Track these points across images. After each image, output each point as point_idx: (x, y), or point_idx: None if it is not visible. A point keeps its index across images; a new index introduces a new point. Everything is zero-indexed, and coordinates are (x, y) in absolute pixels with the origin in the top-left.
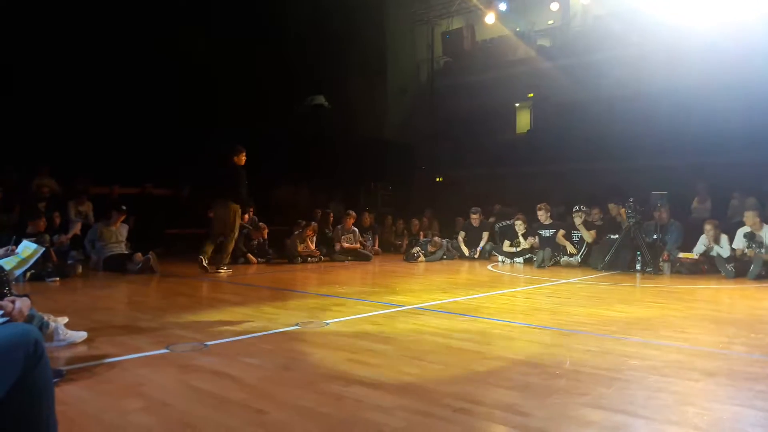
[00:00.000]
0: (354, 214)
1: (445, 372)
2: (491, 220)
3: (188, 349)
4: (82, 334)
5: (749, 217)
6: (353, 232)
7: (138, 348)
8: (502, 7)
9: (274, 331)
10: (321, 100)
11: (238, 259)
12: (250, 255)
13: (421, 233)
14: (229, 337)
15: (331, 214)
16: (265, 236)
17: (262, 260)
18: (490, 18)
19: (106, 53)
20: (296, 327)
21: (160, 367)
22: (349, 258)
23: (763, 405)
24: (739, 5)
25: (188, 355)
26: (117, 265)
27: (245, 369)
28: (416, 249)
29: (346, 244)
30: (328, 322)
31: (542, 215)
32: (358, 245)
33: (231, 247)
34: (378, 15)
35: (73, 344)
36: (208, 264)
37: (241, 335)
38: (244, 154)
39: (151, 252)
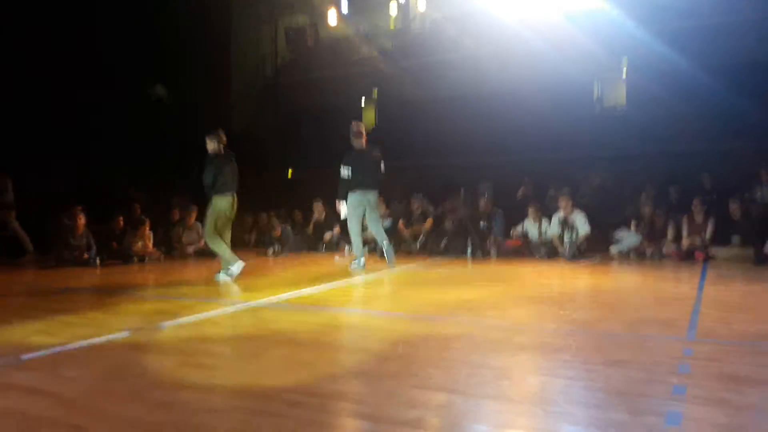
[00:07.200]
0: (195, 208)
1: (283, 367)
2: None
3: None
4: None
5: (563, 200)
6: (196, 228)
7: None
8: (344, 8)
9: (103, 338)
10: (160, 90)
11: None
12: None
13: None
14: (48, 349)
15: (177, 211)
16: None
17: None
18: (332, 17)
19: None
20: (127, 333)
21: None
22: (192, 255)
23: (565, 373)
24: (552, 8)
25: None
26: None
27: (65, 383)
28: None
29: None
30: (164, 325)
31: (379, 209)
32: (202, 242)
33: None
34: (222, 5)
35: None
36: None
37: (62, 346)
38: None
39: None
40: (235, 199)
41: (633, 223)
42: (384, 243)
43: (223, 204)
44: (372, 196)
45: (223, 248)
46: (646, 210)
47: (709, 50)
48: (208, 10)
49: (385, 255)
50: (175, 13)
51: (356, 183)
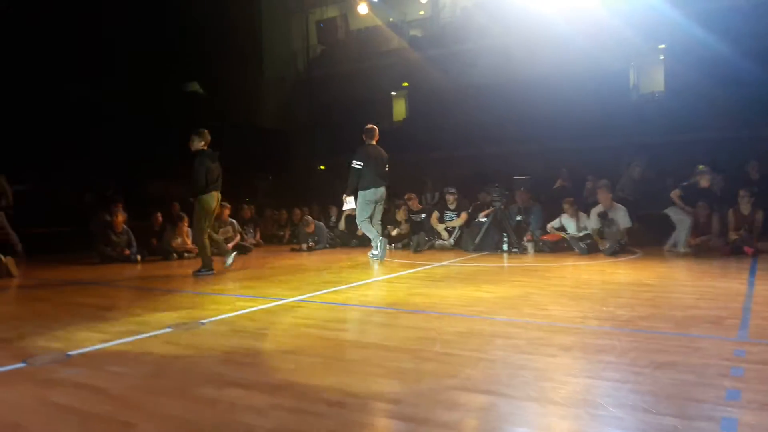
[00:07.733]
0: (228, 205)
1: (321, 365)
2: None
3: (48, 362)
4: None
5: (602, 193)
6: (231, 224)
7: None
8: None
9: (145, 335)
10: (195, 86)
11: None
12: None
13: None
14: (94, 345)
15: None
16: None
17: (133, 258)
18: (362, 8)
19: None
20: (169, 329)
21: (15, 383)
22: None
23: (611, 375)
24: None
25: (48, 368)
26: None
27: (111, 379)
28: (304, 244)
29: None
30: (203, 321)
31: (413, 203)
32: (238, 237)
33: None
34: (252, 1)
35: None
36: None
37: (108, 342)
38: (196, 138)
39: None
40: (219, 196)
41: (676, 194)
42: (380, 238)
43: (211, 202)
44: (383, 191)
45: (207, 251)
46: (703, 182)
47: (750, 33)
48: (237, 5)
49: (379, 248)
50: (205, 9)
51: (369, 180)
